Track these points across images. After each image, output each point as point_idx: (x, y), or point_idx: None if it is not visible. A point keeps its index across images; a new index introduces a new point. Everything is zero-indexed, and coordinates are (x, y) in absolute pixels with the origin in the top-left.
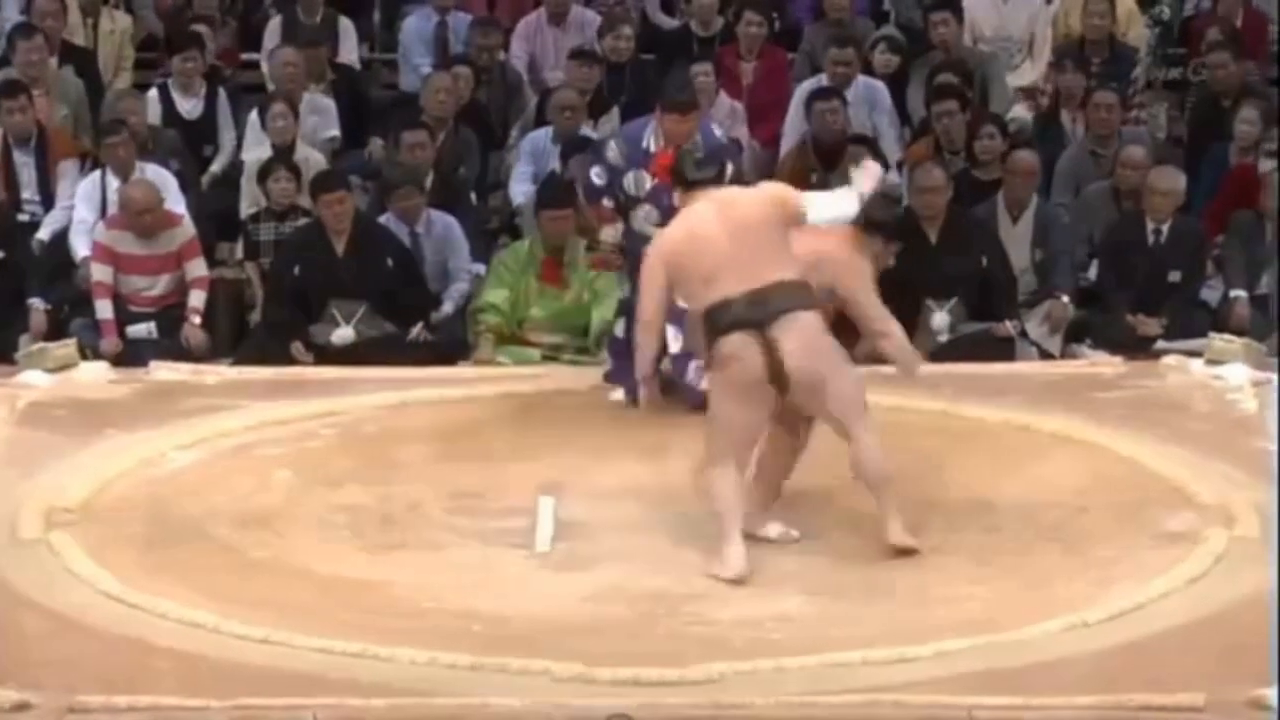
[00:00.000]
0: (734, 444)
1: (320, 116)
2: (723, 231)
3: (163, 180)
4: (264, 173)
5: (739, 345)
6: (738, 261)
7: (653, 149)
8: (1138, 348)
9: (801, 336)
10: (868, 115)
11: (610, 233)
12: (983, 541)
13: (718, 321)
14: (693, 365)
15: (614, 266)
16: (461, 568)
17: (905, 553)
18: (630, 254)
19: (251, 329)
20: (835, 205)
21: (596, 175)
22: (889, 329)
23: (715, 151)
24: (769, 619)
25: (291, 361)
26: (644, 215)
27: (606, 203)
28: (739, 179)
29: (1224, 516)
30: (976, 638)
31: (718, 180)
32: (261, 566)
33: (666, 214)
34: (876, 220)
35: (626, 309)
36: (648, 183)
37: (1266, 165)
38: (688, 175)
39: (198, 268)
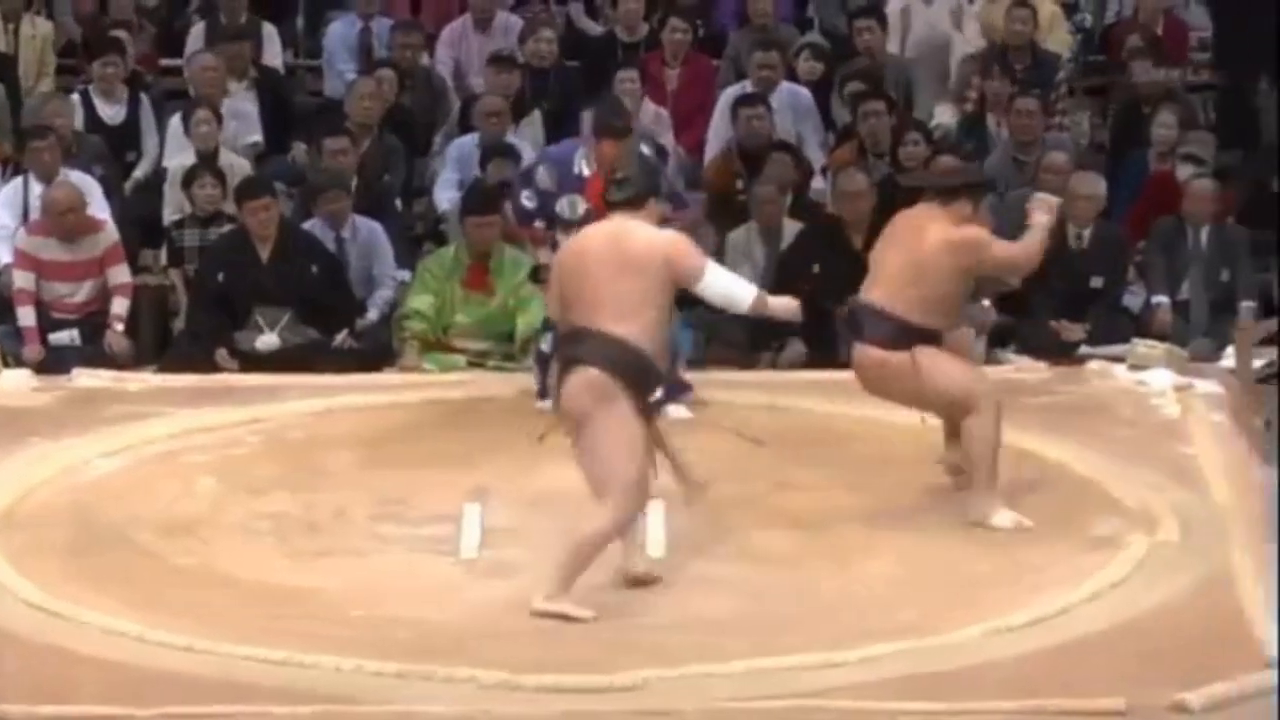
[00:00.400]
0: None
1: (241, 121)
2: (600, 259)
3: (86, 186)
4: (189, 178)
5: (554, 374)
6: (586, 295)
7: (585, 173)
8: (1062, 353)
9: (580, 386)
10: (792, 122)
11: (546, 254)
12: (910, 546)
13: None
14: None
15: None
16: (387, 575)
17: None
18: None
19: (176, 336)
20: (732, 288)
21: (527, 199)
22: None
23: (642, 171)
24: (695, 624)
25: (216, 368)
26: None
27: (539, 224)
28: (670, 196)
29: (1147, 522)
30: (902, 642)
31: (633, 203)
32: (186, 574)
33: None
34: (959, 185)
35: (549, 323)
36: (581, 207)
37: (1184, 172)
38: (606, 196)
39: (121, 274)
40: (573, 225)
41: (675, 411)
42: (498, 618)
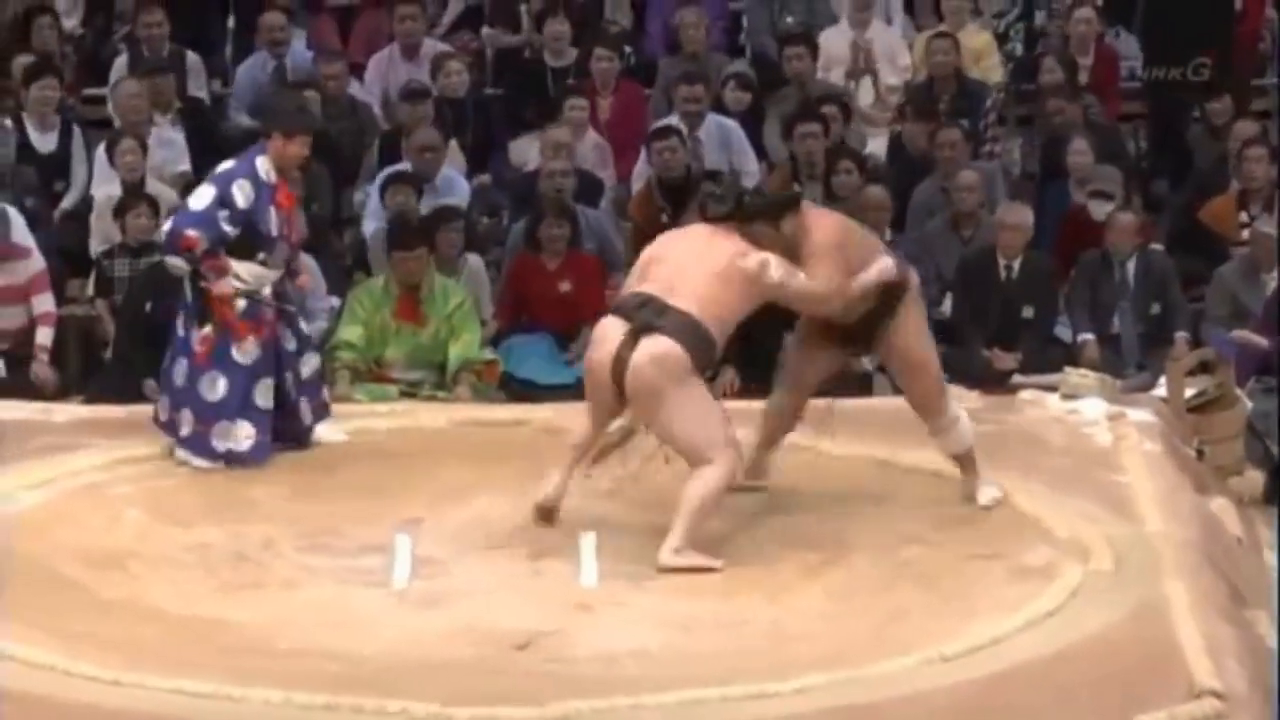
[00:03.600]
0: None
1: (169, 150)
2: (690, 251)
3: (6, 214)
4: (122, 208)
5: (602, 330)
6: (665, 275)
7: (273, 180)
8: (994, 382)
9: (657, 351)
10: (722, 154)
11: (226, 285)
12: (840, 576)
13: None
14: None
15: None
16: (317, 606)
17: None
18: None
19: (103, 366)
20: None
21: (226, 221)
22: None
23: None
24: (626, 655)
25: (144, 399)
26: (278, 256)
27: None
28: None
29: (1079, 551)
30: (834, 673)
31: (729, 217)
32: (113, 607)
33: (293, 248)
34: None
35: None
36: (277, 220)
37: (1097, 208)
38: (703, 210)
39: (45, 302)
40: (276, 240)
41: (329, 434)
42: (429, 649)
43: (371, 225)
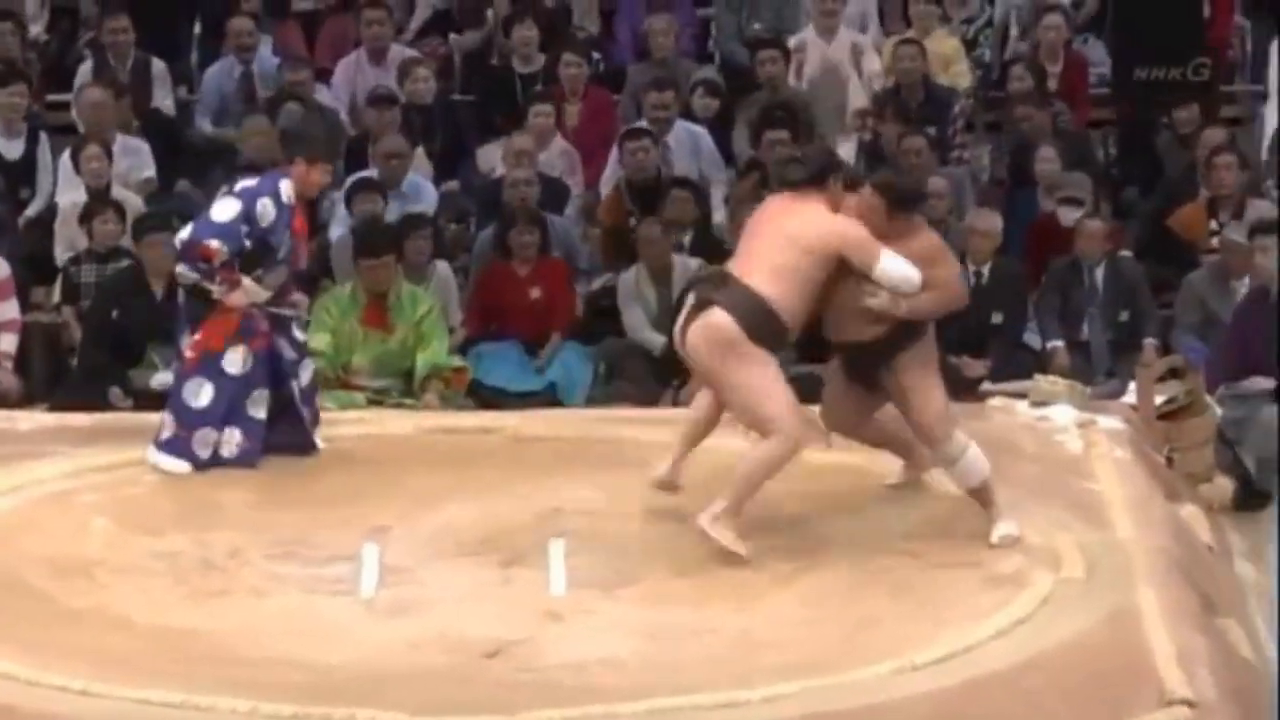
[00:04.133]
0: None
1: (134, 158)
2: (765, 223)
3: None
4: (88, 214)
5: (683, 309)
6: (742, 251)
7: (292, 203)
8: (963, 389)
9: (708, 325)
10: (690, 160)
11: (239, 297)
12: (812, 583)
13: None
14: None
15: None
16: (285, 615)
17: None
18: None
19: (69, 374)
20: (906, 271)
21: (247, 236)
22: None
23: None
24: (597, 663)
25: (110, 407)
26: (275, 277)
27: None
28: None
29: (1051, 559)
30: (805, 681)
31: (811, 183)
32: (80, 616)
33: (292, 273)
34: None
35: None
36: (288, 242)
37: (1066, 215)
38: (785, 176)
39: (9, 310)
40: (282, 264)
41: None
42: (398, 658)
43: (337, 232)
